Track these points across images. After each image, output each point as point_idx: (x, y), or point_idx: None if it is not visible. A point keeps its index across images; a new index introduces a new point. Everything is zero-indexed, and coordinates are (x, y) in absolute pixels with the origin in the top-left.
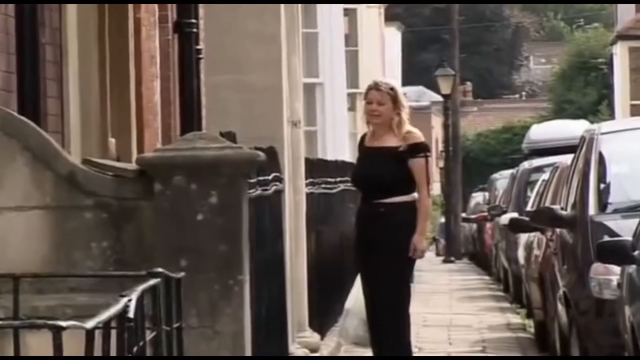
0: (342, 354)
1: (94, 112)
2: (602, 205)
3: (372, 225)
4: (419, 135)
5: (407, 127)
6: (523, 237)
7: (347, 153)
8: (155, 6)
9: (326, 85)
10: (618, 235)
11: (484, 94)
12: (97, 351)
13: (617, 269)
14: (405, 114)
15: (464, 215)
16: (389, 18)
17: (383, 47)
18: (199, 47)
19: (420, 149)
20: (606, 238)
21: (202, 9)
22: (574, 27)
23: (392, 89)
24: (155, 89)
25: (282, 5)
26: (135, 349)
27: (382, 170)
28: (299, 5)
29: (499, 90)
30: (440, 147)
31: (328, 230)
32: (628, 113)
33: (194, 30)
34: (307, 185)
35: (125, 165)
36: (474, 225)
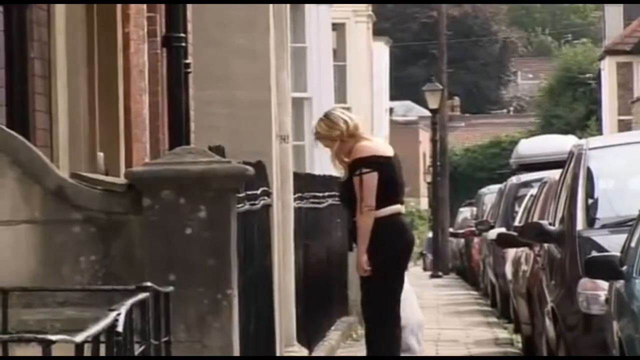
0: None
1: (83, 126)
2: (590, 221)
3: (350, 240)
4: (358, 151)
5: (355, 146)
6: (511, 252)
7: (334, 168)
8: (144, 20)
9: (314, 100)
10: (606, 251)
11: (472, 109)
12: None
13: (605, 284)
14: (349, 136)
15: (451, 230)
16: (377, 33)
17: (371, 62)
18: (187, 61)
19: (355, 166)
20: (594, 253)
21: (190, 23)
22: (561, 42)
23: (317, 133)
24: (143, 103)
25: (271, 20)
26: None
27: (344, 189)
28: (288, 20)
29: (486, 105)
30: (428, 162)
31: (316, 245)
32: (616, 128)
33: (183, 44)
34: (295, 199)
35: (114, 180)
36: (462, 240)
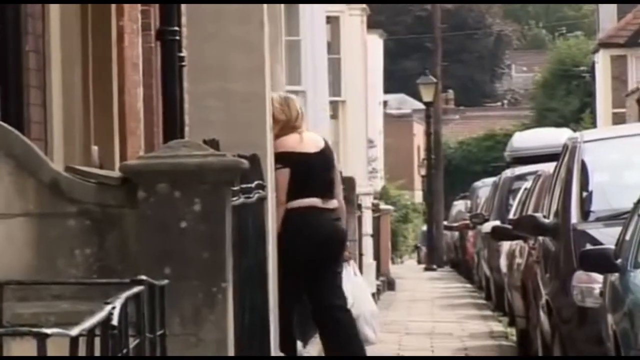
0: None
1: (77, 120)
2: (585, 214)
3: None
4: (277, 146)
5: (279, 139)
6: (505, 245)
7: None
8: (138, 13)
9: (308, 93)
10: (600, 244)
11: (466, 102)
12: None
13: (599, 277)
14: (290, 127)
15: (445, 223)
16: (371, 26)
17: (365, 55)
18: (181, 54)
19: (274, 160)
20: (589, 246)
21: (185, 16)
22: (556, 35)
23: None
24: (138, 97)
25: (266, 14)
26: (119, 356)
27: None
28: (282, 13)
29: (481, 98)
30: (422, 155)
31: None
32: (610, 121)
33: (177, 38)
34: None
35: (109, 173)
36: (456, 233)
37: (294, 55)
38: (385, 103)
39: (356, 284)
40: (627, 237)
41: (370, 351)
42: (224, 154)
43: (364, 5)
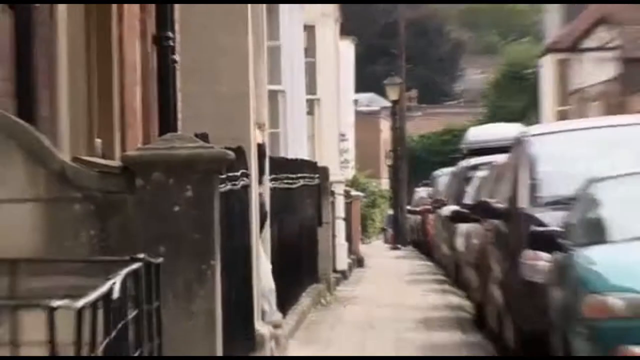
0: (301, 329)
1: (82, 116)
2: (533, 199)
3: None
4: None
5: None
6: (462, 227)
7: (305, 152)
8: (137, 21)
9: (288, 93)
10: (547, 226)
11: (428, 100)
12: (85, 328)
13: (546, 255)
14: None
15: (409, 207)
16: (344, 32)
17: (338, 59)
18: (175, 57)
19: None
20: (536, 228)
21: (178, 24)
22: (507, 40)
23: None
24: (136, 95)
25: (250, 22)
26: (119, 326)
27: None
28: (264, 22)
29: (440, 97)
30: (389, 147)
31: (289, 221)
32: (555, 118)
33: (171, 43)
34: (271, 180)
35: (110, 163)
36: (418, 217)
37: (275, 59)
38: (356, 101)
39: (260, 261)
40: (571, 221)
41: (361, 343)
42: (212, 146)
43: (338, 14)
